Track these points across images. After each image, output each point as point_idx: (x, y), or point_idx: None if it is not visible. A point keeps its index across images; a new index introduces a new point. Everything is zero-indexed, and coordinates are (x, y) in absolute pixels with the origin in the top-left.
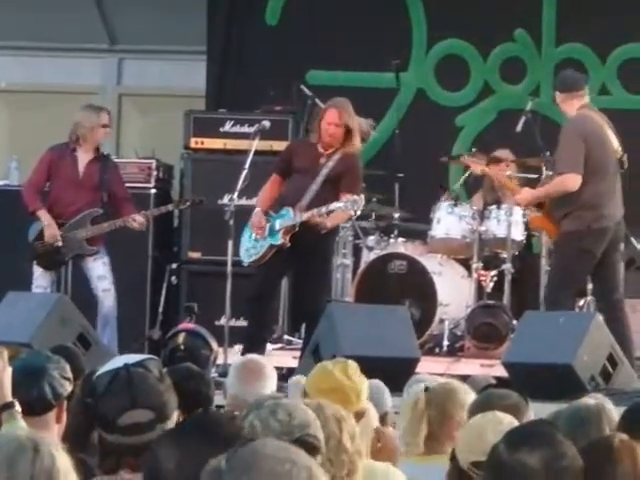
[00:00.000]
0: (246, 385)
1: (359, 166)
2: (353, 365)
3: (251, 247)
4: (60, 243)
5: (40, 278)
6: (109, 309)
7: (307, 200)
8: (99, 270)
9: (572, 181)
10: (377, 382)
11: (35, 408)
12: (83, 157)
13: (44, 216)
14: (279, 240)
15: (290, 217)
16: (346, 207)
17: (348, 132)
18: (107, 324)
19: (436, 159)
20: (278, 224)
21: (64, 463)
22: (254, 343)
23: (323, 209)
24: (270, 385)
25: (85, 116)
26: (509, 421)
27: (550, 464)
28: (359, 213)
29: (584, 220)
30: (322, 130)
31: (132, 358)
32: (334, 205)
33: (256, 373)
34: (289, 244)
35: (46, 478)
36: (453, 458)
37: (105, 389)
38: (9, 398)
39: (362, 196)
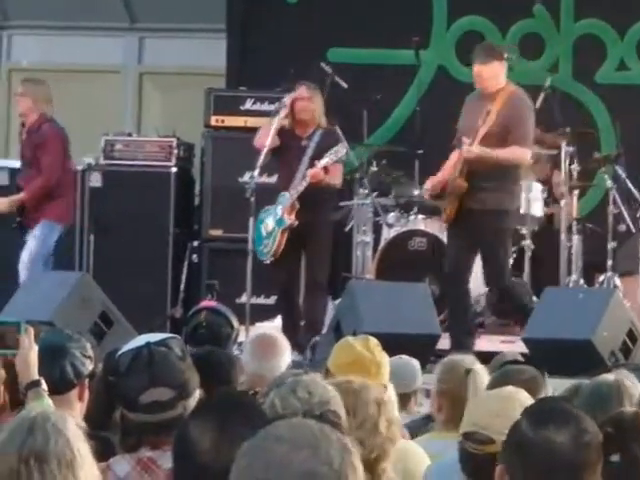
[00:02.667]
0: (261, 361)
1: (342, 139)
2: (374, 340)
3: (265, 243)
4: None
5: None
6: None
7: (299, 179)
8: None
9: (528, 156)
10: (409, 359)
11: (57, 387)
12: (24, 133)
13: None
14: (286, 222)
15: (287, 197)
16: (332, 158)
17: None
18: None
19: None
20: (280, 210)
21: (62, 445)
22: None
23: (310, 170)
24: (285, 359)
25: None
26: (509, 396)
27: (577, 440)
28: (344, 158)
29: (518, 198)
30: (295, 110)
31: (154, 337)
32: (321, 162)
33: (270, 348)
34: (296, 222)
35: (35, 459)
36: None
37: (127, 367)
38: (35, 376)
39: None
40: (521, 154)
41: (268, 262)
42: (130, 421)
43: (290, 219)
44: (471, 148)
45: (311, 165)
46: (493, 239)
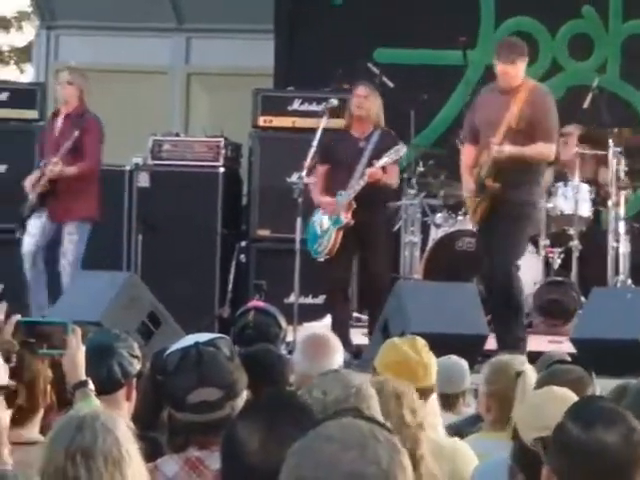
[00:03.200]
0: (312, 361)
1: (399, 142)
2: (422, 341)
3: (320, 242)
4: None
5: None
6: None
7: (356, 179)
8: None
9: (553, 151)
10: (457, 359)
11: (105, 387)
12: (59, 119)
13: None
14: (343, 220)
15: (344, 196)
16: (391, 158)
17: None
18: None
19: None
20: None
21: (110, 443)
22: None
23: (369, 170)
24: (337, 359)
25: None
26: (566, 395)
27: (627, 439)
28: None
29: (543, 191)
30: (352, 107)
31: (203, 337)
32: (380, 162)
33: (322, 348)
34: (352, 222)
35: (81, 456)
36: (515, 436)
37: (175, 367)
38: (83, 377)
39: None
40: (547, 150)
41: (322, 260)
42: (178, 421)
43: (347, 218)
44: (502, 148)
45: (369, 165)
46: (516, 223)
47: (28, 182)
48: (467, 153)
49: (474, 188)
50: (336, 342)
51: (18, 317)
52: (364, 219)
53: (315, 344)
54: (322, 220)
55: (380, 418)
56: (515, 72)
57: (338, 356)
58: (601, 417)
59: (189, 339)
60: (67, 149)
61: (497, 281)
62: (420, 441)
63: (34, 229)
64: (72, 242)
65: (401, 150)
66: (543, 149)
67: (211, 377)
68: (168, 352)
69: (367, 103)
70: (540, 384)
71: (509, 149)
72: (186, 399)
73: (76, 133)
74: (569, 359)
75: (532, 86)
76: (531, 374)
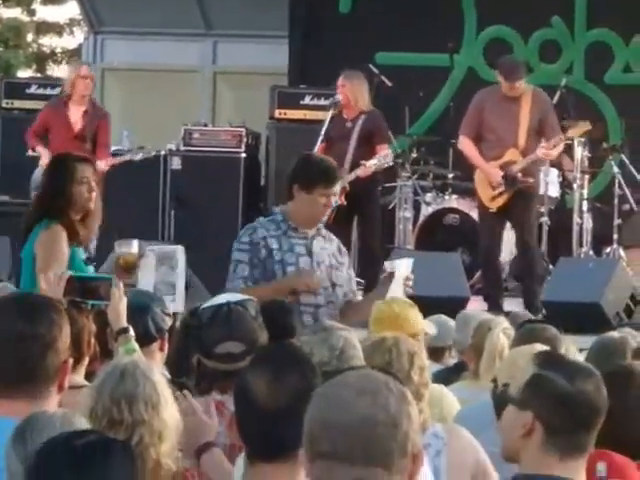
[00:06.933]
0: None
1: (383, 121)
2: (408, 300)
3: None
4: None
5: None
6: None
7: (348, 163)
8: None
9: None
10: (446, 318)
11: (141, 341)
12: (75, 110)
13: (42, 151)
14: (337, 202)
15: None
16: (380, 162)
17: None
18: None
19: None
20: None
21: (150, 389)
22: None
23: (361, 168)
24: None
25: (68, 71)
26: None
27: (599, 389)
28: (391, 163)
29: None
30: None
31: (234, 297)
32: (370, 162)
33: None
34: (345, 203)
35: (125, 401)
36: (494, 381)
37: (208, 320)
38: (125, 324)
39: (391, 148)
40: (561, 145)
41: None
42: (205, 367)
43: (340, 200)
44: (550, 152)
45: (358, 145)
46: (530, 210)
47: None
48: (469, 145)
49: (503, 181)
50: None
51: (70, 273)
52: (356, 193)
53: None
54: None
55: None
56: (520, 86)
57: None
58: (579, 371)
59: (222, 297)
60: (91, 141)
61: (529, 254)
62: (423, 397)
63: None
64: None
65: (389, 156)
66: (559, 144)
67: (237, 332)
68: (203, 307)
69: (345, 91)
70: (519, 341)
71: (555, 153)
72: (215, 349)
73: (95, 125)
74: (533, 318)
75: (532, 90)
76: (510, 332)
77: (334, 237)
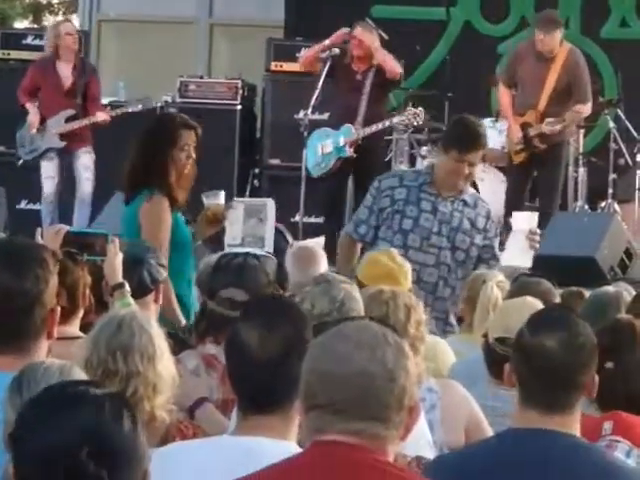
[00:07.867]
0: (300, 271)
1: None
2: (395, 251)
3: (321, 161)
4: (34, 131)
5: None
6: (86, 194)
7: (361, 116)
8: (86, 161)
9: (590, 109)
10: None
11: (136, 292)
12: (63, 67)
13: (31, 108)
14: (347, 152)
15: (352, 133)
16: (408, 119)
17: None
18: (82, 206)
19: (480, 81)
20: (342, 140)
21: (146, 340)
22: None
23: (387, 123)
24: (321, 269)
25: (53, 28)
26: (535, 304)
27: (566, 344)
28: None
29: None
30: (351, 46)
31: (257, 252)
32: (397, 119)
33: (308, 259)
34: (354, 155)
35: (121, 352)
36: (485, 335)
37: (223, 264)
38: (120, 279)
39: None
40: (586, 110)
41: (316, 177)
42: (206, 308)
43: (350, 152)
44: (554, 128)
45: (370, 99)
46: (559, 166)
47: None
48: (504, 93)
49: (521, 140)
50: (320, 253)
51: (67, 228)
52: (362, 144)
53: (301, 256)
54: (325, 143)
55: None
56: (553, 41)
57: (321, 266)
58: (547, 324)
59: (245, 249)
60: (82, 96)
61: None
62: (418, 351)
63: (51, 172)
64: (88, 170)
65: (419, 115)
66: (582, 110)
67: (244, 282)
68: (224, 253)
69: (364, 43)
70: (512, 294)
71: (559, 127)
72: (219, 292)
73: (86, 80)
74: (527, 272)
75: (568, 49)
76: (504, 285)
77: (485, 205)
